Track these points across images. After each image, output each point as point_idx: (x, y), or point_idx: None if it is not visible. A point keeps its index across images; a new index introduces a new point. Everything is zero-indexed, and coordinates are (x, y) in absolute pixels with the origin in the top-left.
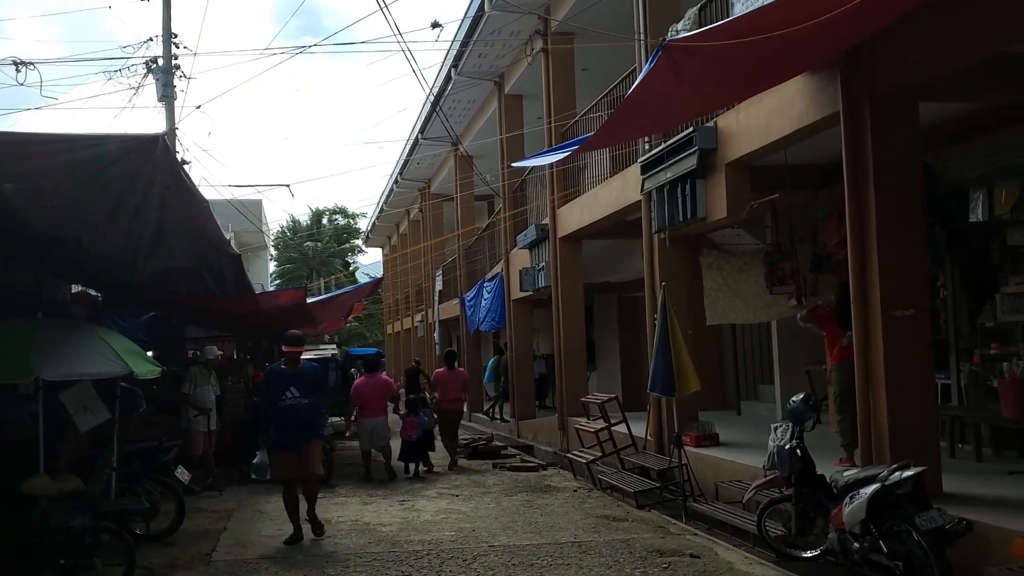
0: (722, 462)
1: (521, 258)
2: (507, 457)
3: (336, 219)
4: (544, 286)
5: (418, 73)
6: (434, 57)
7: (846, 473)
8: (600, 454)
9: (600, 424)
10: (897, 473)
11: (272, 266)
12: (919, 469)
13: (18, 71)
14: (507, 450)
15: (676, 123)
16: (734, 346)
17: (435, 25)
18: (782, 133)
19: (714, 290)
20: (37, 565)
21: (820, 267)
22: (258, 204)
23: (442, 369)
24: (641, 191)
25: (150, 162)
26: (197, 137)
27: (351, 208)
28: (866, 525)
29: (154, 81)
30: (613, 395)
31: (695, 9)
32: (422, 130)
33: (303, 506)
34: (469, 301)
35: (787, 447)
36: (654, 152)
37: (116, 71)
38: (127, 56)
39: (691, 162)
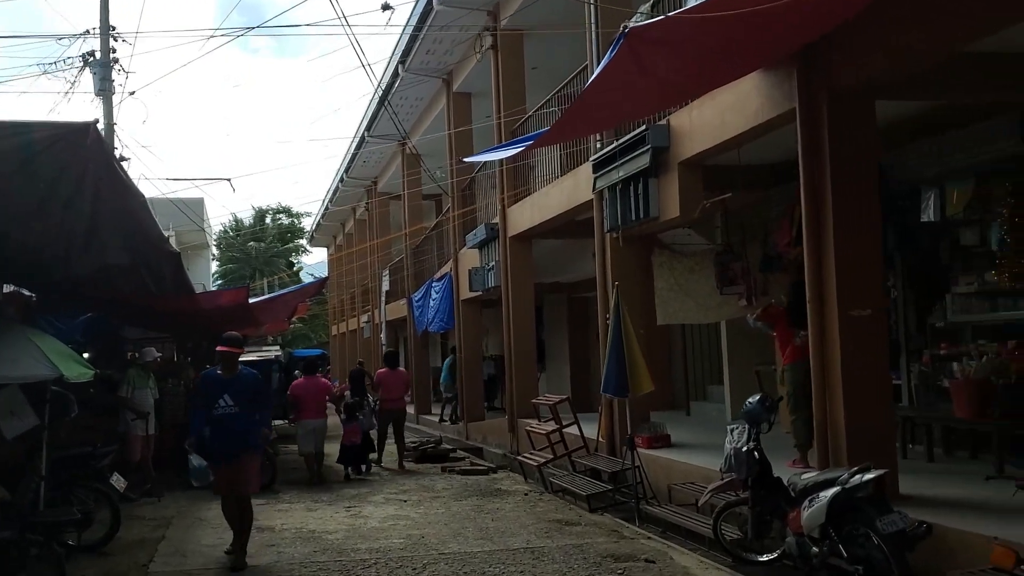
0: (674, 463)
1: (470, 258)
2: (456, 460)
3: (280, 219)
4: (494, 286)
5: (367, 66)
6: (382, 52)
7: (804, 476)
8: (551, 456)
9: (551, 426)
10: (858, 476)
11: (215, 266)
12: (880, 472)
13: None
14: (456, 453)
15: (635, 116)
16: (684, 346)
17: (385, 7)
18: (737, 131)
19: (665, 290)
20: None
21: (770, 267)
22: (200, 203)
23: (384, 369)
24: (593, 190)
25: (82, 151)
26: (135, 131)
27: (295, 207)
28: (825, 529)
29: (92, 75)
30: (565, 396)
31: (648, 5)
32: (368, 127)
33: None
34: (417, 302)
35: (744, 449)
36: (606, 151)
37: (51, 63)
38: (64, 47)
39: (644, 160)
